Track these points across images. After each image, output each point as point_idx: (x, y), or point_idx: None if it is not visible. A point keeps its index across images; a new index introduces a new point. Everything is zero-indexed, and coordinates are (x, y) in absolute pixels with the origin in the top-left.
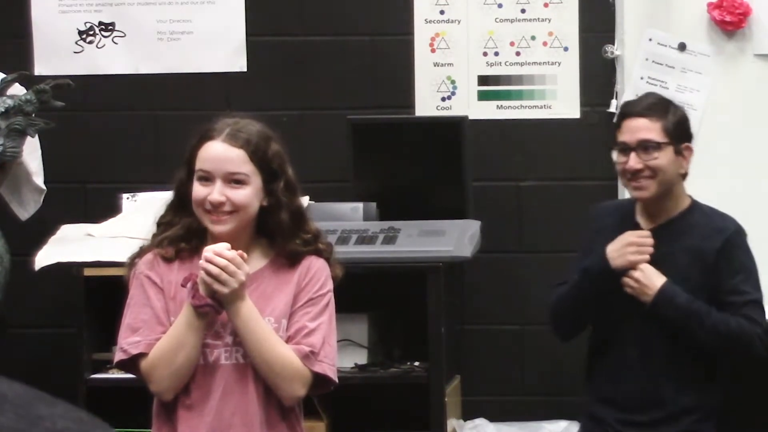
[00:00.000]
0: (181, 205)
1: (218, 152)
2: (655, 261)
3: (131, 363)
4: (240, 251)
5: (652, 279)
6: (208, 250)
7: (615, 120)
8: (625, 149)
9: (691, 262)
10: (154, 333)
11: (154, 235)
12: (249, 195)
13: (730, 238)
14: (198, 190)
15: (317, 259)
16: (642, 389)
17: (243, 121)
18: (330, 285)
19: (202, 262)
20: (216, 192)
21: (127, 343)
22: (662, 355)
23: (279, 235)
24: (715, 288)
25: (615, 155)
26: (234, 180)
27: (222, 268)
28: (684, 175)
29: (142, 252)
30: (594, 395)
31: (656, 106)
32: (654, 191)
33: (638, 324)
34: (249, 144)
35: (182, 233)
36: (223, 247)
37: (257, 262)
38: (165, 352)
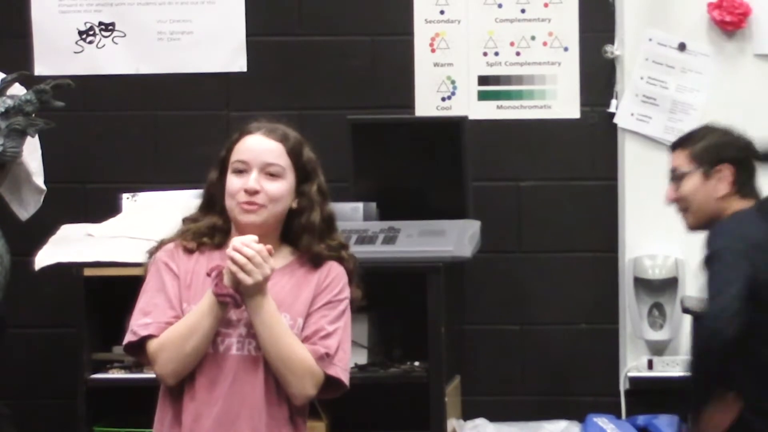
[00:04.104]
0: (209, 205)
1: (256, 143)
2: None
3: (139, 346)
4: (268, 246)
5: None
6: (236, 240)
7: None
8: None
9: None
10: (165, 317)
11: (178, 231)
12: (282, 189)
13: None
14: (233, 181)
15: (338, 265)
16: None
17: (280, 123)
18: (347, 292)
19: (229, 251)
20: (252, 180)
21: (137, 325)
22: None
23: (308, 235)
24: None
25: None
26: (270, 172)
27: (249, 258)
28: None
29: (161, 244)
30: None
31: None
32: (690, 222)
33: None
34: (286, 139)
35: (206, 229)
36: (251, 239)
37: (279, 261)
38: (176, 336)
